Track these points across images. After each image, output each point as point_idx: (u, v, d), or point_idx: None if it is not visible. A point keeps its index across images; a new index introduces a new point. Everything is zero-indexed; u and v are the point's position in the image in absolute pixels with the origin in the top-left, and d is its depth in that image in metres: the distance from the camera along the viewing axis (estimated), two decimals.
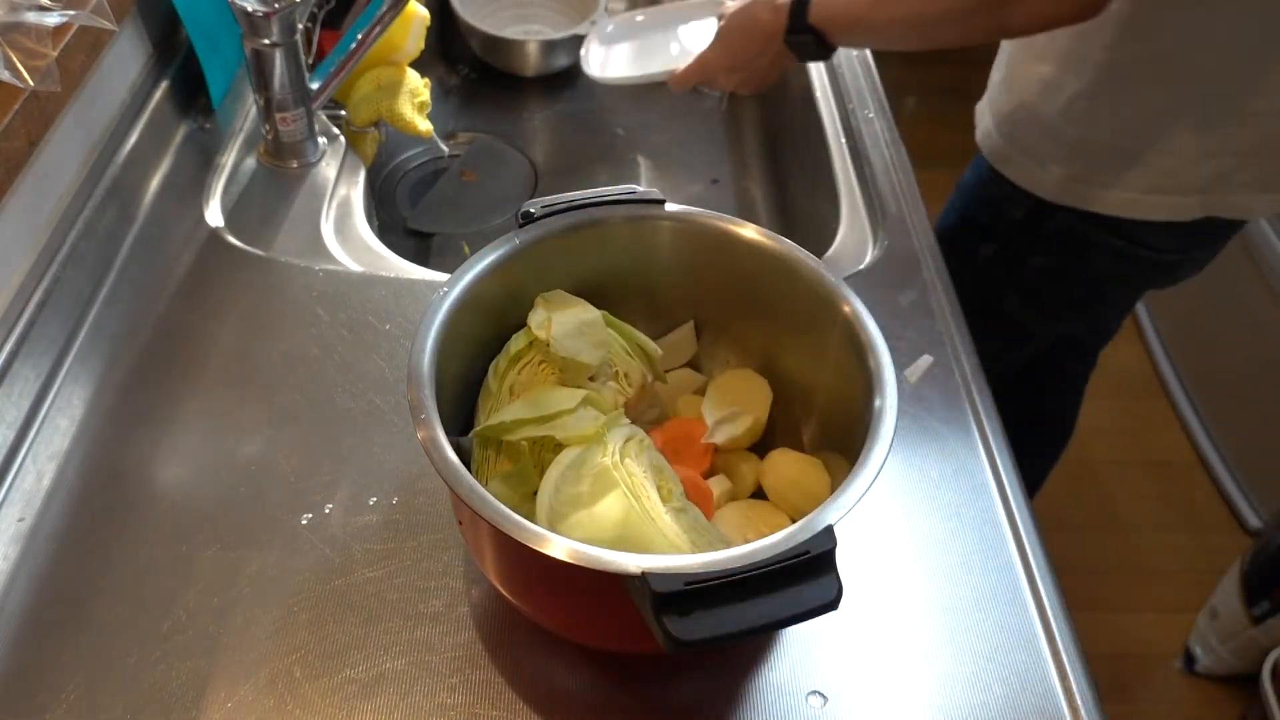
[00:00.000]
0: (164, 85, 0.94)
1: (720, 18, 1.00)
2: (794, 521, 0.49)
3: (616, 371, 0.63)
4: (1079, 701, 0.58)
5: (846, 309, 0.58)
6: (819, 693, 0.58)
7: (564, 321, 0.60)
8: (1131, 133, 0.94)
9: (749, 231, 0.63)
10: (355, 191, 0.93)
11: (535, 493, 0.54)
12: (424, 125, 1.01)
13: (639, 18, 1.21)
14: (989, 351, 0.81)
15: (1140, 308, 2.23)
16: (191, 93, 0.97)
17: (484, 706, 0.56)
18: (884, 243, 0.88)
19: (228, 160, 0.92)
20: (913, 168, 0.98)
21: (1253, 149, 0.93)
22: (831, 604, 0.44)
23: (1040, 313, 1.14)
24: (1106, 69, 0.92)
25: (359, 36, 0.91)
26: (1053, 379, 1.33)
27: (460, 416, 0.61)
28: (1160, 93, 0.92)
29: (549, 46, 1.22)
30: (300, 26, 0.85)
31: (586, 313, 0.62)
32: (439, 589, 0.61)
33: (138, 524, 0.64)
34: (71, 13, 0.72)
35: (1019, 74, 1.01)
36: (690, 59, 1.02)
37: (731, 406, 0.65)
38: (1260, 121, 0.92)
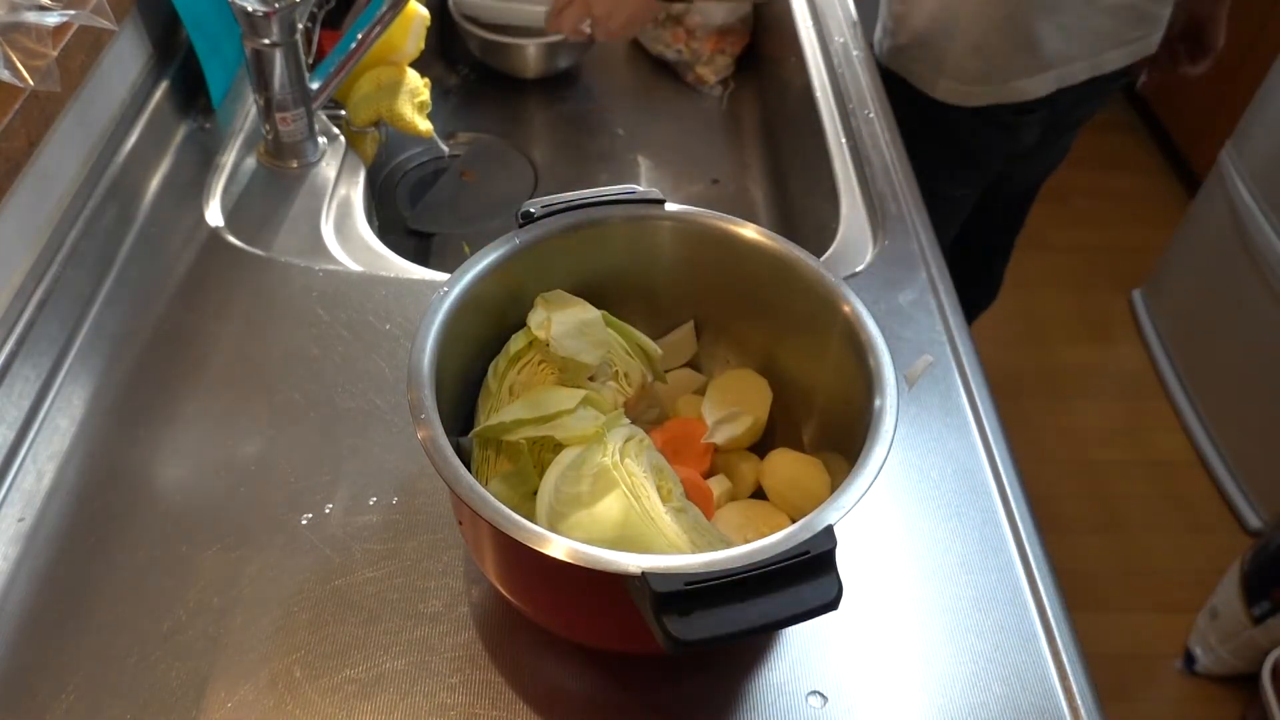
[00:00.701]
0: (164, 85, 0.94)
1: None
2: (794, 521, 0.49)
3: (616, 371, 0.63)
4: (1079, 701, 0.58)
5: (846, 309, 0.58)
6: (819, 693, 0.58)
7: (564, 321, 0.60)
8: (922, 25, 1.15)
9: (749, 231, 0.63)
10: (355, 191, 0.93)
11: (535, 493, 0.54)
12: (424, 125, 1.01)
13: None
14: None
15: (1140, 308, 2.23)
16: (191, 93, 0.97)
17: (484, 706, 0.56)
18: (884, 243, 0.88)
19: (228, 160, 0.92)
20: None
21: (1011, 43, 1.11)
22: (831, 604, 0.44)
23: (925, 174, 1.16)
24: None
25: (359, 36, 0.91)
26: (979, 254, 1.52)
27: (460, 416, 0.61)
28: None
29: (549, 48, 1.22)
30: (300, 26, 0.85)
31: (586, 313, 0.62)
32: (439, 589, 0.61)
33: (138, 524, 0.64)
34: (71, 13, 0.72)
35: None
36: None
37: (731, 406, 0.65)
38: (1016, 22, 1.10)
